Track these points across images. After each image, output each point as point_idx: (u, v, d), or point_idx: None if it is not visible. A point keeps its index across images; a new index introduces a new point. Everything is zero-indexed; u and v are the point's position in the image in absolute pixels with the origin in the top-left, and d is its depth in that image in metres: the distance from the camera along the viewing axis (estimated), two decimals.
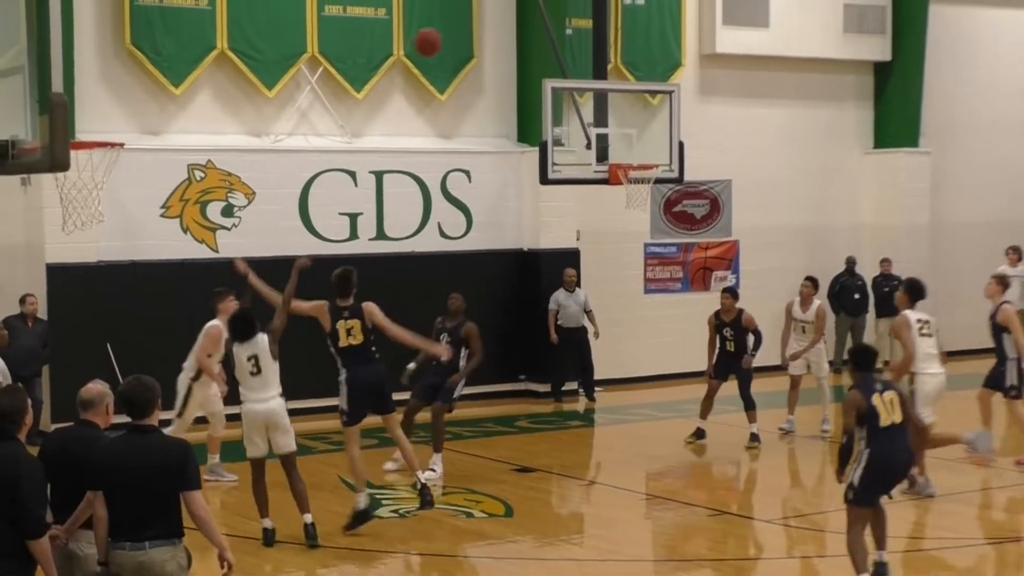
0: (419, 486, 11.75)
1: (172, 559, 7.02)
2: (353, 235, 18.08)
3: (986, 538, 11.89)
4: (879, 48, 22.11)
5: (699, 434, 15.69)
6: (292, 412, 11.61)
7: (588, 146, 15.25)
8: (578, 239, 19.28)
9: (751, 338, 15.46)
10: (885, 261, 21.42)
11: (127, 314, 16.30)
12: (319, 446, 15.02)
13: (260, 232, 17.28)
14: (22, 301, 15.89)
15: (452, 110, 18.95)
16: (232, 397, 12.04)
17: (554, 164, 14.91)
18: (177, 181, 16.97)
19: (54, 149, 7.20)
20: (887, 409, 9.21)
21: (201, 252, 17.05)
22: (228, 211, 17.28)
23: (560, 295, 18.71)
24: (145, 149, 16.51)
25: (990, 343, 14.34)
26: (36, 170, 8.47)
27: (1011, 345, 13.75)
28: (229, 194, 17.28)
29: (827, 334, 16.59)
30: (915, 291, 13.15)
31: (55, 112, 7.15)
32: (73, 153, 8.18)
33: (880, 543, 9.56)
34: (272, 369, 11.09)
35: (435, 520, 12.02)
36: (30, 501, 6.69)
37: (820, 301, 16.32)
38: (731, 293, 15.86)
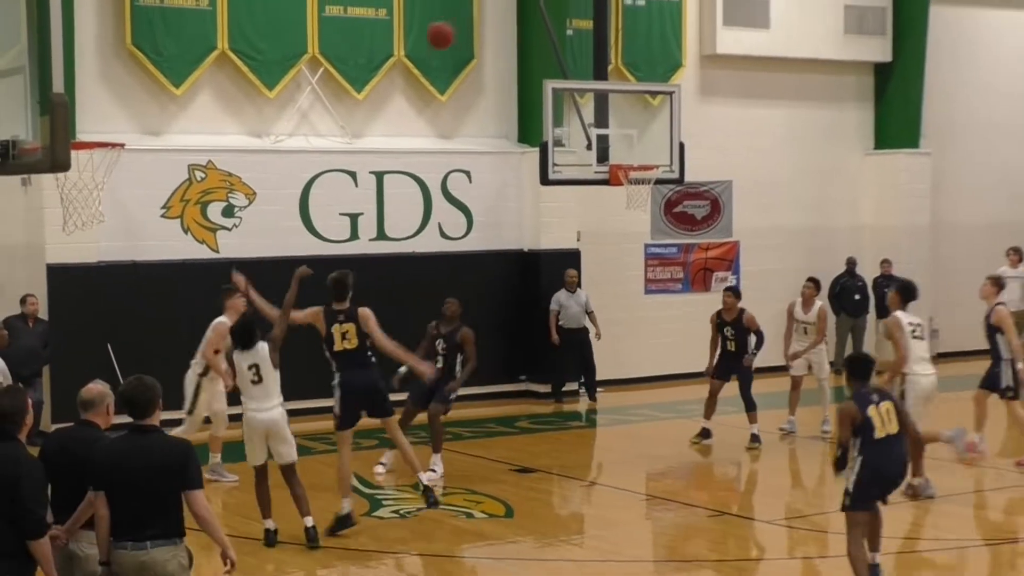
0: (422, 488, 11.76)
1: (173, 558, 7.02)
2: (354, 235, 18.09)
3: (983, 539, 11.88)
4: (879, 49, 22.11)
5: (704, 434, 15.70)
6: (292, 413, 11.61)
7: (589, 147, 15.25)
8: (578, 240, 19.28)
9: (752, 338, 15.47)
10: (885, 262, 21.42)
11: (128, 314, 16.30)
12: (318, 447, 15.02)
13: (261, 232, 17.29)
14: (23, 301, 15.90)
15: (453, 111, 18.96)
16: (235, 396, 12.04)
17: (554, 165, 14.91)
18: (178, 181, 16.97)
19: (55, 149, 7.20)
20: (882, 420, 9.19)
21: (202, 252, 17.05)
22: (229, 211, 17.28)
23: (561, 296, 18.71)
24: (146, 149, 16.51)
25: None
26: (37, 170, 8.48)
27: (1005, 346, 13.81)
28: (230, 194, 17.28)
29: (828, 335, 16.58)
30: (907, 293, 13.27)
31: (56, 112, 7.15)
32: (74, 153, 8.18)
33: (873, 545, 9.55)
34: (273, 378, 11.08)
35: (435, 520, 12.02)
36: (30, 501, 6.69)
37: (822, 302, 16.33)
38: (733, 292, 15.87)
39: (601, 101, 15.67)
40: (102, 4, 16.76)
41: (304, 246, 17.37)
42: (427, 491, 11.77)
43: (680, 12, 20.41)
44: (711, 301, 18.18)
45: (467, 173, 18.78)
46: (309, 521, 11.13)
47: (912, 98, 22.17)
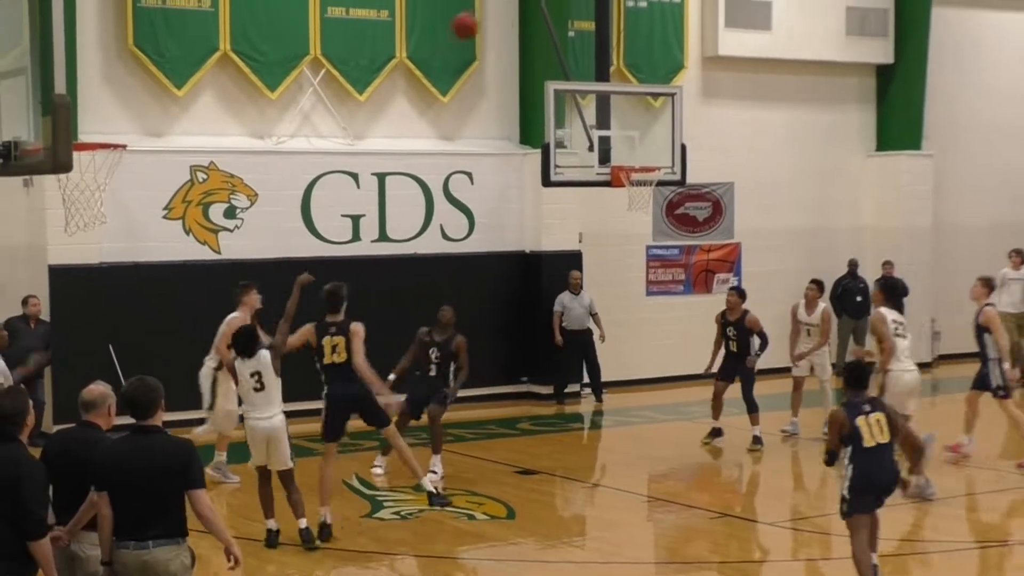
0: (427, 493, 11.80)
1: (176, 558, 7.03)
2: (355, 237, 18.09)
3: (984, 541, 11.88)
4: (882, 51, 22.10)
5: (715, 433, 15.70)
6: (294, 414, 11.62)
7: (590, 148, 15.23)
8: (580, 241, 19.28)
9: (756, 340, 15.46)
10: (887, 264, 21.40)
11: (129, 315, 16.31)
12: (319, 448, 14.96)
13: (262, 234, 17.29)
14: (24, 302, 15.90)
15: (454, 112, 18.96)
16: None
17: (556, 166, 14.90)
18: (179, 183, 16.98)
19: (57, 150, 7.20)
20: (870, 430, 9.27)
21: (203, 254, 17.05)
22: (230, 213, 17.28)
23: (565, 297, 18.71)
24: (147, 150, 16.52)
25: None
26: (39, 171, 8.48)
27: (992, 345, 13.92)
28: (231, 196, 17.28)
29: (830, 336, 16.58)
30: (890, 289, 13.53)
31: (58, 113, 7.16)
32: (75, 154, 8.19)
33: (871, 546, 9.59)
34: (275, 386, 11.07)
35: (436, 522, 12.02)
36: (31, 502, 6.70)
37: (825, 304, 16.33)
38: (737, 292, 15.88)
39: (603, 103, 15.66)
40: (104, 5, 16.76)
41: (306, 247, 17.37)
42: (431, 496, 11.82)
43: (682, 13, 20.41)
44: (712, 303, 18.20)
45: (469, 174, 18.78)
46: (303, 523, 11.15)
47: (914, 100, 22.17)
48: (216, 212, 17.18)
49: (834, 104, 22.12)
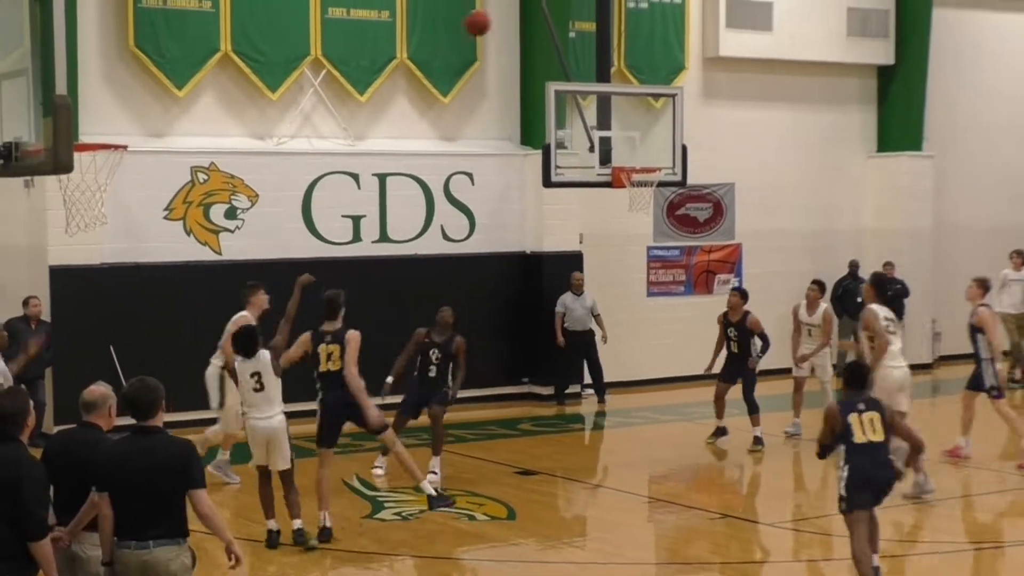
0: (427, 496, 11.81)
1: (176, 558, 7.04)
2: (356, 238, 18.09)
3: (980, 542, 11.87)
4: (882, 52, 22.10)
5: (719, 432, 15.69)
6: (296, 415, 11.62)
7: (591, 149, 15.24)
8: (581, 242, 19.28)
9: (758, 342, 15.46)
10: (888, 264, 21.38)
11: (130, 316, 16.31)
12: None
13: (263, 234, 17.29)
14: (25, 303, 15.89)
15: (455, 113, 18.96)
16: None
17: (557, 167, 14.90)
18: (180, 183, 16.98)
19: (57, 151, 7.21)
20: (862, 427, 9.41)
21: (204, 254, 17.06)
22: (231, 213, 17.28)
23: (567, 298, 18.72)
24: (148, 151, 16.52)
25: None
26: (40, 172, 8.48)
27: (985, 346, 13.97)
28: (232, 196, 17.28)
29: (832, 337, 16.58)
30: (881, 286, 13.60)
31: (59, 114, 7.16)
32: (76, 155, 8.19)
33: (872, 547, 9.64)
34: (275, 386, 11.08)
35: (437, 523, 12.02)
36: (31, 503, 6.70)
37: (826, 305, 16.34)
38: (739, 292, 15.87)
39: (604, 103, 15.66)
40: (105, 6, 16.77)
41: (306, 248, 17.38)
42: (432, 499, 11.84)
43: (683, 14, 20.41)
44: (713, 303, 18.20)
45: (469, 175, 18.78)
46: (297, 524, 11.15)
47: (915, 101, 22.17)
48: (217, 213, 17.19)
49: (835, 105, 22.13)
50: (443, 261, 18.41)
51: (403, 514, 12.39)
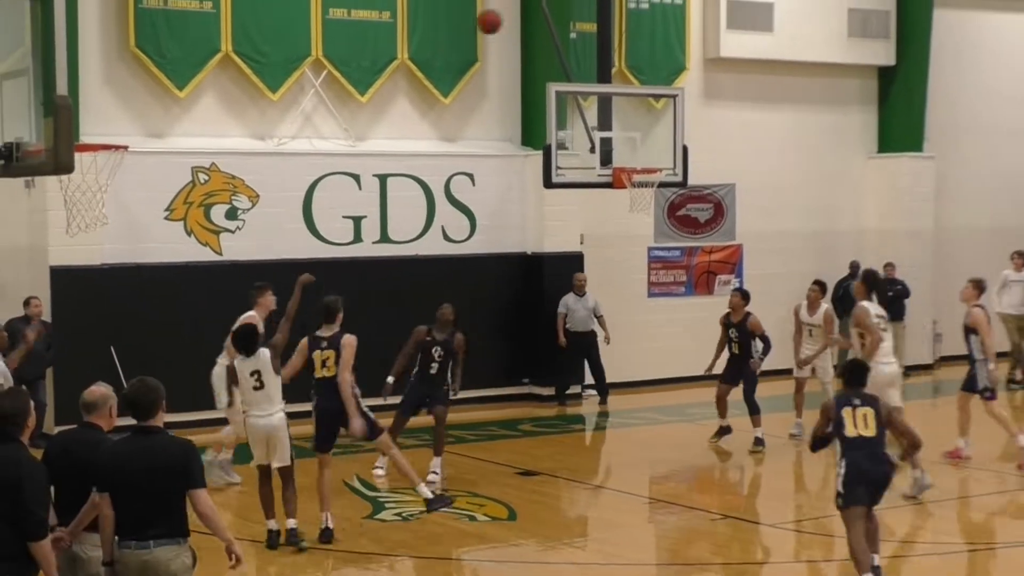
0: (424, 500, 11.81)
1: (176, 558, 7.04)
2: (357, 238, 18.09)
3: (980, 544, 11.87)
4: (883, 53, 22.10)
5: (722, 432, 15.68)
6: (297, 416, 11.62)
7: (592, 150, 15.24)
8: (582, 243, 19.28)
9: (759, 343, 15.45)
10: (889, 266, 21.38)
11: (131, 317, 16.31)
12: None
13: (264, 235, 17.29)
14: (26, 303, 15.88)
15: (456, 113, 18.96)
16: None
17: (558, 168, 14.90)
18: (181, 184, 16.98)
19: (58, 151, 7.21)
20: (854, 421, 9.59)
21: (205, 255, 17.06)
22: (232, 214, 17.28)
23: (569, 299, 18.72)
24: (149, 152, 16.51)
25: (996, 348, 14.45)
26: (40, 172, 8.49)
27: (979, 347, 14.00)
28: (233, 197, 17.28)
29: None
30: (871, 282, 13.70)
31: (59, 114, 7.17)
32: (77, 155, 8.19)
33: (873, 547, 9.68)
34: (274, 384, 11.10)
35: (438, 523, 12.02)
36: (31, 503, 6.69)
37: (827, 305, 16.34)
38: (741, 293, 15.87)
39: (604, 104, 15.66)
40: (106, 6, 16.77)
41: (307, 249, 17.37)
42: (429, 502, 11.86)
43: (684, 15, 20.41)
44: (714, 304, 18.20)
45: (470, 176, 18.78)
46: (292, 523, 11.16)
47: (915, 102, 22.16)
48: (217, 213, 17.19)
49: (835, 106, 22.12)
50: (444, 262, 18.40)
51: (403, 515, 12.39)
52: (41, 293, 16.07)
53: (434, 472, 13.49)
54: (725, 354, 15.70)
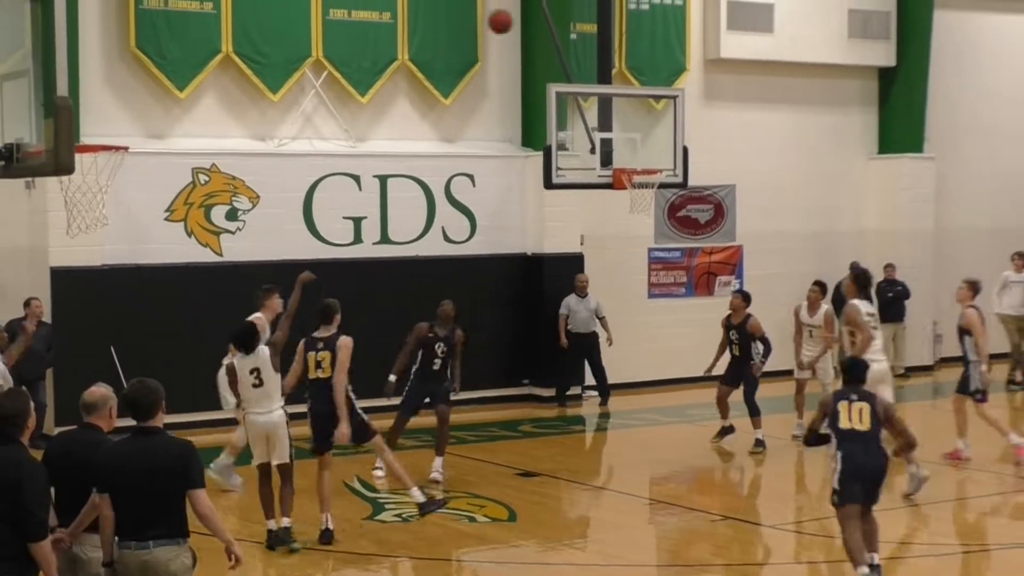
0: (417, 504, 11.81)
1: (176, 558, 7.05)
2: (357, 239, 18.09)
3: (978, 545, 11.87)
4: (884, 53, 22.09)
5: (724, 432, 15.67)
6: (299, 416, 11.61)
7: (592, 151, 15.24)
8: (582, 244, 19.28)
9: (760, 346, 15.44)
10: (889, 266, 21.40)
11: (131, 318, 16.31)
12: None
13: (264, 236, 17.29)
14: (26, 304, 15.88)
15: (456, 114, 18.96)
16: None
17: (558, 168, 14.90)
18: (181, 185, 16.98)
19: (59, 152, 7.21)
20: (848, 414, 9.76)
21: (205, 256, 17.06)
22: (232, 215, 17.28)
23: (571, 300, 18.72)
24: (150, 152, 16.51)
25: (994, 349, 14.48)
26: (41, 173, 8.49)
27: (972, 348, 14.02)
28: (233, 198, 17.28)
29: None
30: (862, 280, 13.82)
31: (60, 115, 7.17)
32: (77, 156, 8.19)
33: (871, 547, 9.72)
34: (274, 382, 11.11)
35: (438, 524, 12.02)
36: (31, 504, 6.69)
37: (828, 306, 16.32)
38: (741, 295, 15.86)
39: (605, 105, 15.66)
40: (106, 7, 16.77)
41: (307, 250, 17.37)
42: (422, 506, 11.89)
43: (684, 16, 20.41)
44: (714, 305, 18.21)
45: (471, 177, 18.78)
46: (286, 522, 11.16)
47: (916, 102, 22.16)
48: (218, 214, 17.19)
49: (836, 107, 22.12)
50: (444, 263, 18.40)
51: (403, 516, 12.38)
52: (41, 294, 16.07)
53: (438, 472, 13.52)
54: (726, 356, 15.69)
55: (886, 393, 13.02)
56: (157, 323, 16.42)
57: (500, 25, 15.27)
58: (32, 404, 7.13)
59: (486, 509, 12.66)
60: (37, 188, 15.91)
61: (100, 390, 7.44)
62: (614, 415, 18.44)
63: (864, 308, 13.62)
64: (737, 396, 15.61)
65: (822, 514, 12.56)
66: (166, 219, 16.91)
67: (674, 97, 15.80)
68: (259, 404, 11.09)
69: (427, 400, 13.81)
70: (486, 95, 19.23)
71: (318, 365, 11.51)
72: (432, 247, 18.51)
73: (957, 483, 13.80)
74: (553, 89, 14.83)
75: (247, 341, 11.12)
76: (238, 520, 12.13)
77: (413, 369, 13.77)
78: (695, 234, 20.71)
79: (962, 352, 14.33)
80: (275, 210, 17.44)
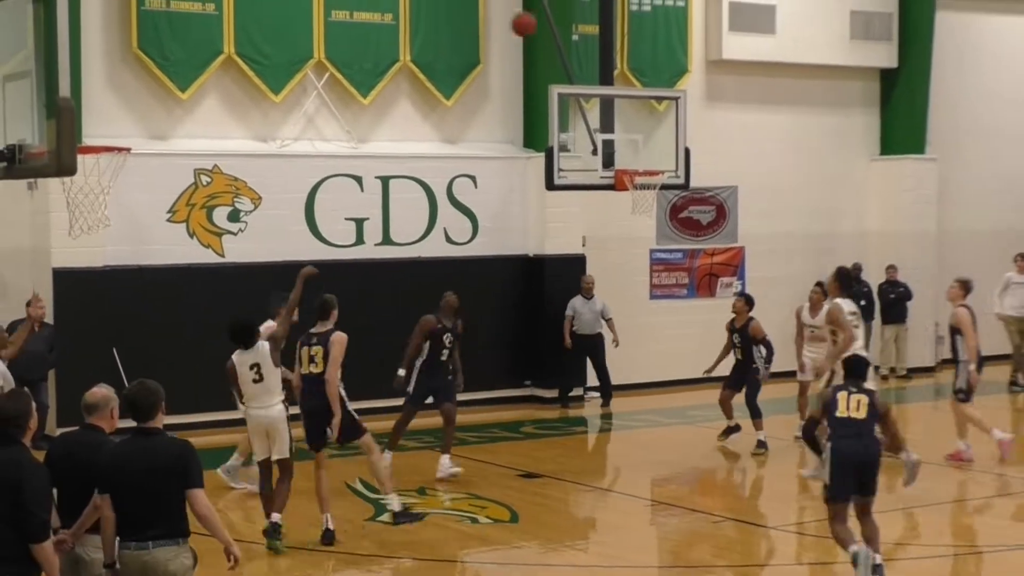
0: (393, 513, 11.85)
1: (176, 558, 7.06)
2: (359, 240, 18.09)
3: (978, 546, 11.86)
4: (885, 55, 22.09)
5: (730, 431, 15.67)
6: (295, 416, 11.61)
7: (594, 152, 15.24)
8: (584, 245, 19.28)
9: (763, 350, 15.43)
10: (891, 268, 21.41)
11: (133, 319, 16.31)
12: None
13: (266, 237, 17.29)
14: (29, 304, 15.86)
15: (458, 115, 18.96)
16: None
17: (560, 170, 14.91)
18: (183, 186, 16.98)
19: (61, 153, 7.21)
20: (847, 404, 9.88)
21: (207, 257, 17.06)
22: (234, 216, 17.29)
23: (577, 302, 18.73)
24: (152, 154, 16.52)
25: (996, 350, 14.47)
26: (43, 174, 8.49)
27: (963, 347, 14.03)
28: (235, 199, 17.29)
29: None
30: (845, 280, 13.88)
31: (62, 116, 7.17)
32: (80, 158, 8.20)
33: (873, 546, 9.75)
34: (274, 377, 11.13)
35: (440, 525, 12.02)
36: (33, 505, 6.70)
37: (829, 307, 16.29)
38: (744, 298, 15.87)
39: (607, 106, 15.66)
40: (108, 8, 16.78)
41: (309, 251, 17.36)
42: (397, 515, 11.92)
43: (686, 17, 20.41)
44: (716, 307, 18.21)
45: (473, 178, 18.78)
46: (276, 518, 11.11)
47: (918, 104, 22.16)
48: (220, 215, 17.19)
49: (838, 108, 22.12)
50: (446, 264, 18.39)
51: None
52: (44, 295, 16.05)
53: (453, 468, 13.59)
54: (728, 360, 15.69)
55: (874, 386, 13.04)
56: (159, 324, 16.42)
57: (523, 28, 15.30)
58: (34, 405, 7.14)
59: (488, 510, 12.66)
60: (39, 189, 15.92)
61: (102, 391, 7.45)
62: (616, 416, 18.44)
63: (847, 307, 13.69)
64: (739, 398, 15.61)
65: (824, 515, 12.55)
66: (168, 220, 16.91)
67: (676, 98, 15.81)
68: (259, 399, 11.11)
69: (433, 395, 13.82)
70: (488, 96, 19.24)
71: (311, 360, 11.47)
72: (434, 248, 18.52)
73: (959, 484, 13.79)
74: (555, 90, 14.84)
75: (245, 336, 11.11)
76: (237, 519, 12.13)
77: (419, 363, 13.75)
78: (697, 235, 20.71)
79: (953, 351, 14.36)
80: (277, 211, 17.44)
